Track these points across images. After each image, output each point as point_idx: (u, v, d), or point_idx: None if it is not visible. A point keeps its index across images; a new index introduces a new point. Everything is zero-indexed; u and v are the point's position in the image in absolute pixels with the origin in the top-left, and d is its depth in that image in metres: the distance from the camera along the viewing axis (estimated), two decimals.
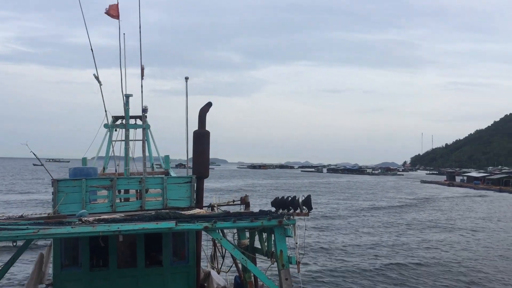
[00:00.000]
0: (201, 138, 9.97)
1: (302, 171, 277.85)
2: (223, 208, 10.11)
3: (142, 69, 11.76)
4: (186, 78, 11.32)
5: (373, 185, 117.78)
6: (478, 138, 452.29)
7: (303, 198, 8.23)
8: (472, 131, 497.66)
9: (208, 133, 10.05)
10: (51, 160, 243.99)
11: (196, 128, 9.96)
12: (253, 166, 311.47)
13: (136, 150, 12.93)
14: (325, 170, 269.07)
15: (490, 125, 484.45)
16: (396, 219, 43.55)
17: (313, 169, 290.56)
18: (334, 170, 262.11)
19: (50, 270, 9.95)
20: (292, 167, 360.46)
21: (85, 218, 7.24)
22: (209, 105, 10.16)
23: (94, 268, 9.19)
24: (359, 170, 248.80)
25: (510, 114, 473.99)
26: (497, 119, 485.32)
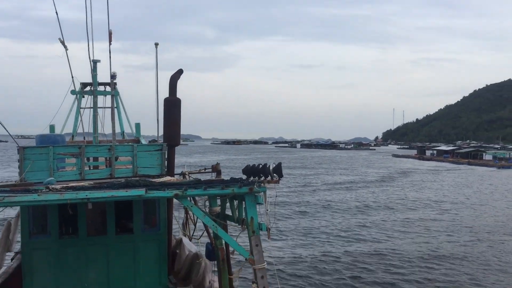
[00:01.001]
0: (172, 106, 9.85)
1: (276, 146, 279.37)
2: (195, 176, 10.08)
3: (110, 34, 11.43)
4: (156, 44, 11.12)
5: (346, 160, 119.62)
6: (448, 113, 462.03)
7: (274, 165, 8.28)
8: (442, 106, 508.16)
9: (179, 100, 9.94)
10: (19, 137, 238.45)
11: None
12: (227, 142, 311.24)
13: (106, 119, 12.75)
14: (298, 145, 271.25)
15: (459, 100, 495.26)
16: (368, 194, 44.39)
17: (287, 145, 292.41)
18: (308, 145, 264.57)
19: (18, 238, 9.82)
20: (266, 143, 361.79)
21: (53, 186, 7.13)
22: (180, 72, 10.01)
23: (63, 236, 9.11)
24: (332, 145, 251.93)
25: (479, 89, 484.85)
26: (466, 95, 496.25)
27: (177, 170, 10.31)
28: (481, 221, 29.79)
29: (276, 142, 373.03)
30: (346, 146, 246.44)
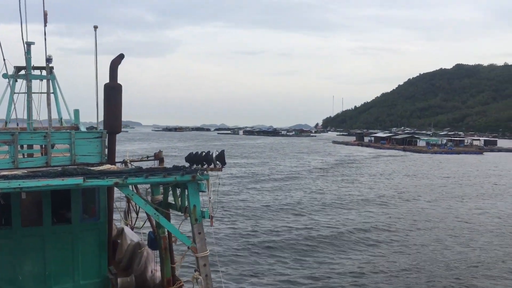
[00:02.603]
0: (113, 92, 9.54)
1: (218, 133, 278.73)
2: (137, 164, 9.87)
3: (45, 15, 10.83)
4: (95, 27, 10.67)
5: (288, 146, 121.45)
6: (384, 101, 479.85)
7: (217, 153, 8.27)
8: (379, 94, 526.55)
9: (120, 86, 9.64)
10: None
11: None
12: (169, 129, 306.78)
13: (42, 104, 12.19)
14: (241, 132, 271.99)
15: (394, 88, 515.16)
16: (312, 181, 45.28)
17: (229, 131, 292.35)
18: (250, 132, 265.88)
19: None
20: (208, 130, 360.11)
21: None
22: (121, 57, 9.71)
23: None
24: (274, 132, 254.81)
25: (413, 78, 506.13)
26: (401, 83, 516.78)
27: (119, 159, 10.06)
28: (425, 211, 31.32)
29: (219, 129, 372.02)
30: (287, 133, 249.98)
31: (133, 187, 8.22)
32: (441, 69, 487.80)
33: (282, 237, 21.01)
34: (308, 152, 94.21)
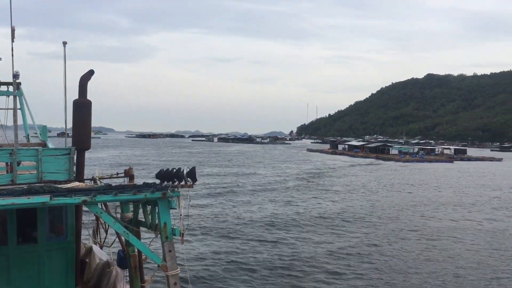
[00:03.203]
0: (82, 108, 9.39)
1: (193, 140, 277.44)
2: (106, 181, 9.71)
3: (13, 31, 10.60)
4: (64, 43, 10.47)
5: (263, 154, 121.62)
6: (357, 109, 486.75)
7: (188, 170, 8.22)
8: (352, 102, 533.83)
9: (89, 102, 9.49)
10: None
11: (77, 96, 9.36)
12: (142, 135, 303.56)
13: (8, 120, 11.88)
14: (216, 139, 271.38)
15: (368, 97, 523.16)
16: (290, 193, 45.02)
17: (204, 138, 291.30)
18: (225, 139, 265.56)
19: None
20: (182, 136, 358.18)
21: None
22: (91, 73, 9.56)
23: None
24: (249, 139, 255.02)
25: (385, 87, 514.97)
26: (374, 92, 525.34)
27: (88, 172, 9.89)
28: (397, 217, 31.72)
29: (193, 136, 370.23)
30: (262, 140, 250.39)
31: (102, 205, 8.09)
32: (412, 78, 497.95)
33: (256, 254, 20.59)
34: (283, 160, 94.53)
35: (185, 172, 8.16)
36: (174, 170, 8.29)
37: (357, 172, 69.85)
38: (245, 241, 22.75)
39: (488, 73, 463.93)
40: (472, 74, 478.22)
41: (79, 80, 9.45)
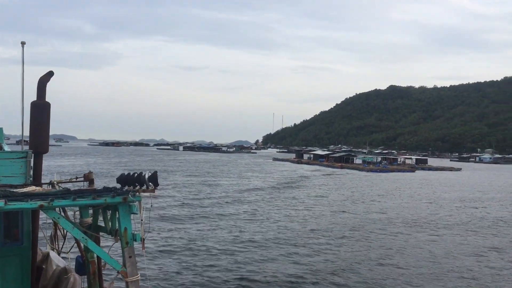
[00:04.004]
0: (40, 110, 9.13)
1: (158, 149, 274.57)
2: (65, 185, 9.46)
3: None
4: (23, 43, 10.19)
5: (229, 163, 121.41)
6: (322, 119, 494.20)
7: (150, 174, 8.11)
8: (318, 112, 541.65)
9: (48, 104, 9.25)
10: None
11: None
12: (106, 144, 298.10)
13: None
14: (181, 148, 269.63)
15: (332, 107, 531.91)
16: (252, 202, 45.12)
17: (169, 147, 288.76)
18: (191, 148, 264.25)
19: None
20: (147, 145, 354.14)
21: None
22: (50, 74, 9.33)
23: None
24: (215, 148, 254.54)
25: (350, 97, 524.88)
26: (339, 102, 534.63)
27: (47, 178, 9.61)
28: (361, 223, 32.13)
29: (158, 144, 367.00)
30: (228, 149, 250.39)
31: (60, 209, 7.87)
32: (376, 89, 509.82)
33: (217, 261, 20.42)
34: (248, 169, 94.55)
35: (146, 176, 8.04)
36: (136, 174, 8.16)
37: (323, 181, 70.52)
38: (206, 248, 22.52)
39: (448, 86, 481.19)
40: (433, 86, 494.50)
41: (37, 81, 9.23)
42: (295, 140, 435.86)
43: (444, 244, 25.29)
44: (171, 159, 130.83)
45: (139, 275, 7.60)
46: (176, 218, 30.87)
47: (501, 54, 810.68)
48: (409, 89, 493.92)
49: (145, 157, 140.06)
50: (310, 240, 25.33)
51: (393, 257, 22.02)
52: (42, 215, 9.14)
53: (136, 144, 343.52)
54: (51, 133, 9.74)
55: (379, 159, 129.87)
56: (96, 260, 8.42)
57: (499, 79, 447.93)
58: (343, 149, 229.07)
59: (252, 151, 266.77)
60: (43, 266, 9.79)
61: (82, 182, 9.43)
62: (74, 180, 9.83)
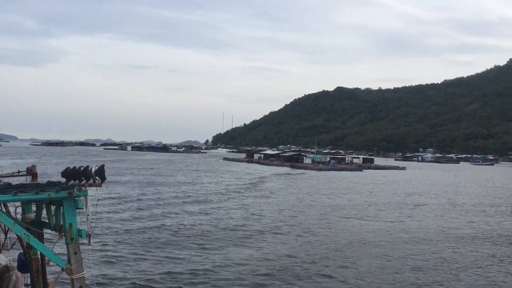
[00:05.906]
0: None
1: (104, 148, 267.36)
2: (6, 180, 9.07)
3: None
4: None
5: (177, 162, 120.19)
6: (272, 119, 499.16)
7: (97, 168, 7.92)
8: (267, 113, 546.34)
9: None
10: None
11: None
12: (49, 143, 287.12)
13: None
14: (129, 147, 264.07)
15: (282, 107, 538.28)
16: (200, 203, 44.68)
17: (116, 147, 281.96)
18: (139, 148, 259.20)
19: None
20: (93, 145, 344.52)
21: None
22: None
23: None
24: (164, 148, 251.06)
25: (299, 98, 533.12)
26: (288, 103, 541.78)
27: None
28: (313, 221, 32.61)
29: (105, 144, 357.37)
30: (178, 149, 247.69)
31: (1, 205, 7.54)
32: (323, 91, 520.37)
33: (163, 261, 19.85)
34: (198, 169, 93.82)
35: (93, 170, 7.85)
36: (82, 168, 7.95)
37: (274, 180, 70.98)
38: (154, 247, 22.07)
39: (392, 88, 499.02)
40: (378, 88, 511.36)
41: None
42: (245, 140, 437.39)
43: (389, 232, 26.21)
44: (118, 159, 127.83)
45: (84, 272, 7.42)
46: (123, 214, 30.42)
47: (441, 57, 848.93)
48: (356, 90, 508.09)
49: (92, 157, 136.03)
50: (265, 234, 25.52)
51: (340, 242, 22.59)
52: None
53: (81, 144, 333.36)
54: None
55: (328, 158, 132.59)
56: (39, 257, 8.14)
57: (439, 82, 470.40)
58: (292, 149, 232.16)
59: (202, 151, 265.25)
60: None
61: (25, 177, 9.08)
62: (16, 174, 9.44)
